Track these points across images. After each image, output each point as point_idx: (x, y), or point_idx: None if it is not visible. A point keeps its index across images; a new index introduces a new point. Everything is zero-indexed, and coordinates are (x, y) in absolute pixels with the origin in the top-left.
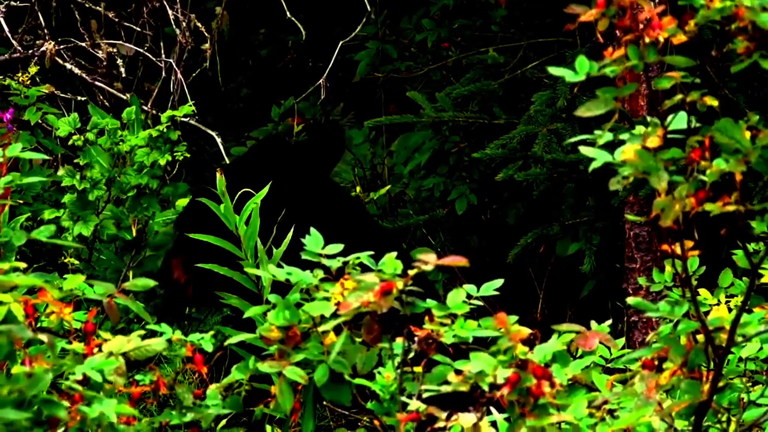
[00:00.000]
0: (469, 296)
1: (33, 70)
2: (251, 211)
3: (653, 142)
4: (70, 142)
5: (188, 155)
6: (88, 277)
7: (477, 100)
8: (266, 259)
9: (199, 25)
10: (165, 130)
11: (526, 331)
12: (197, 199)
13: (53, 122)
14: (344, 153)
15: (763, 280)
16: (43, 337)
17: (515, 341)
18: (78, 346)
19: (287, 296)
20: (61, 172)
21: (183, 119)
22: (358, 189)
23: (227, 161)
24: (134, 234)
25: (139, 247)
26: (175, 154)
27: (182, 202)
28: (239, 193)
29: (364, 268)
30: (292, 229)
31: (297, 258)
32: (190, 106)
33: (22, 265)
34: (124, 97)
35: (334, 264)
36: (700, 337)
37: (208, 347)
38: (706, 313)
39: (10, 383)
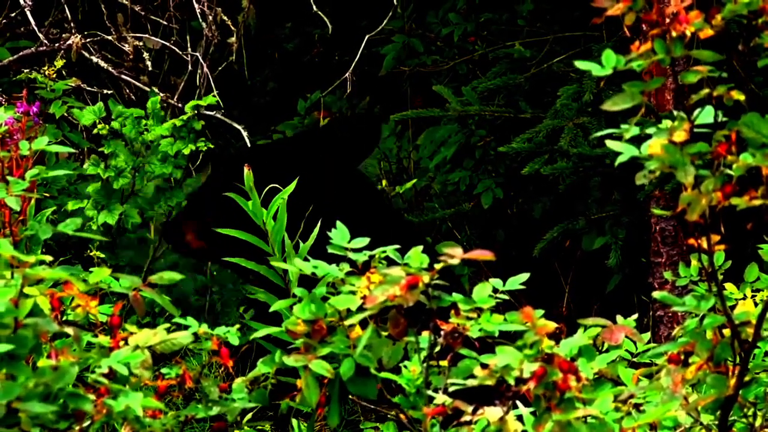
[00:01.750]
0: (495, 290)
1: (59, 63)
2: (278, 206)
3: (680, 136)
4: (95, 131)
5: (212, 146)
6: (113, 269)
7: (503, 94)
8: (293, 253)
9: (225, 18)
10: (188, 120)
11: (552, 325)
12: (225, 194)
13: (78, 116)
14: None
15: None
16: (69, 330)
17: (541, 335)
18: (104, 339)
19: (313, 290)
20: (86, 165)
21: (209, 112)
22: (384, 183)
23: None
24: (158, 225)
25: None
26: (198, 145)
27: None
28: (267, 188)
29: (390, 262)
30: (318, 224)
31: (325, 252)
32: (215, 96)
33: (48, 258)
34: (150, 91)
35: (360, 258)
36: (726, 332)
37: (234, 341)
38: (732, 308)
39: (36, 376)
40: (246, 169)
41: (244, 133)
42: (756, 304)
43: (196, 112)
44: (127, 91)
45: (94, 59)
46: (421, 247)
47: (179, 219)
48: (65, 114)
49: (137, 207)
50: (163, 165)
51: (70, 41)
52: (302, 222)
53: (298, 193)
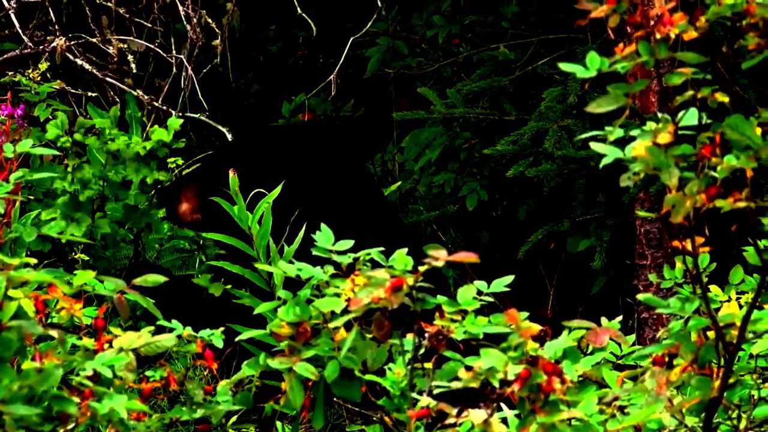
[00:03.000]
0: (479, 292)
1: (44, 66)
2: (263, 210)
3: (664, 138)
4: (59, 144)
5: (181, 162)
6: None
7: (488, 96)
8: (278, 257)
9: (209, 21)
10: (156, 145)
11: (536, 328)
12: (211, 198)
13: (49, 128)
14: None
15: None
16: (54, 332)
17: (526, 337)
18: (88, 341)
19: (298, 292)
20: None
21: (193, 115)
22: None
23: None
24: (132, 250)
25: (137, 254)
26: (160, 176)
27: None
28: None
29: (375, 264)
30: (304, 227)
31: (310, 255)
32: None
33: (33, 260)
34: (135, 93)
35: (345, 260)
36: (711, 334)
37: (219, 343)
38: (717, 310)
39: (21, 379)
40: (231, 174)
41: (229, 136)
42: (741, 307)
43: (160, 143)
44: (112, 93)
45: (79, 62)
46: (405, 250)
47: (177, 186)
48: (49, 117)
49: (108, 221)
50: (128, 192)
51: (54, 44)
52: (301, 221)
53: (292, 188)
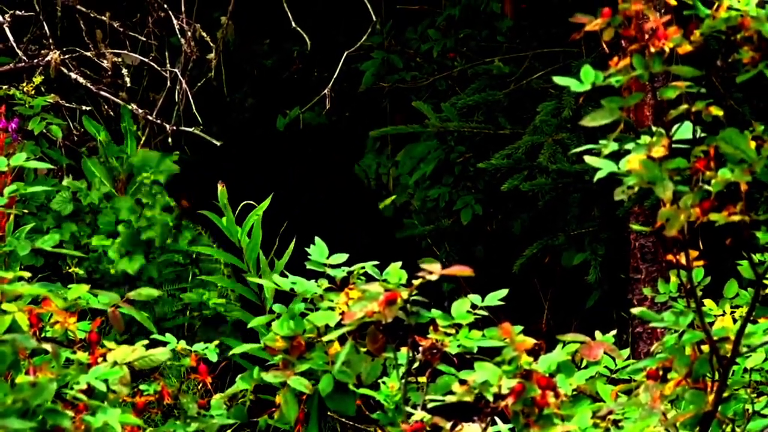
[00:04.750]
0: (473, 306)
1: (38, 79)
2: (253, 223)
3: (658, 151)
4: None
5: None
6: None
7: (482, 110)
8: (269, 270)
9: (204, 34)
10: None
11: (530, 342)
12: (199, 211)
13: (56, 132)
14: None
15: None
16: (48, 346)
17: (520, 351)
18: (82, 355)
19: (291, 306)
20: (65, 182)
21: (187, 129)
22: None
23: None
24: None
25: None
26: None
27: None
28: (241, 205)
29: (369, 278)
30: (293, 240)
31: (302, 267)
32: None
33: (27, 274)
34: (130, 107)
35: (339, 273)
36: (705, 348)
37: (213, 357)
38: (711, 324)
39: (15, 393)
40: (220, 186)
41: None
42: (735, 321)
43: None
44: (106, 107)
45: (73, 75)
46: (399, 263)
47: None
48: (43, 130)
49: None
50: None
51: (48, 57)
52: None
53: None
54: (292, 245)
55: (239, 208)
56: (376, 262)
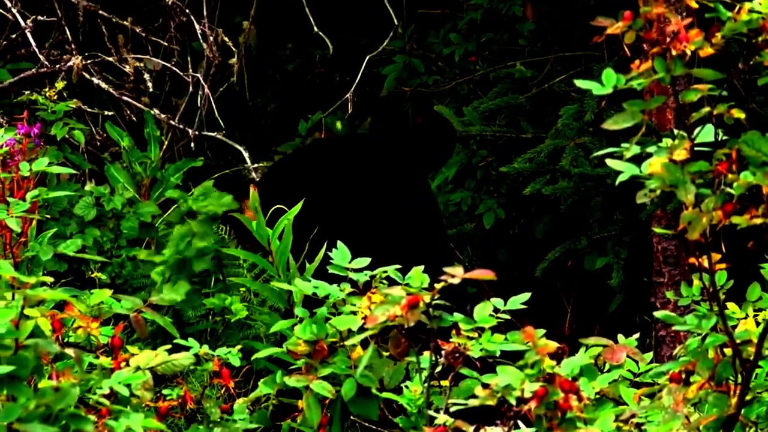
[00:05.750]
0: (496, 310)
1: (60, 85)
2: (284, 227)
3: (680, 155)
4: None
5: None
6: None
7: (504, 114)
8: (298, 275)
9: (226, 39)
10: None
11: (553, 345)
12: (230, 214)
13: (79, 137)
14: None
15: None
16: (70, 351)
17: (542, 355)
18: (105, 360)
19: (315, 310)
20: (88, 187)
21: (210, 134)
22: None
23: (254, 177)
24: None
25: None
26: None
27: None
28: (272, 208)
29: (392, 282)
30: (325, 245)
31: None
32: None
33: (50, 279)
34: (152, 112)
35: (362, 278)
36: (728, 351)
37: (235, 361)
38: (734, 327)
39: (38, 398)
40: (252, 190)
41: (245, 154)
42: (758, 324)
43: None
44: (128, 112)
45: (95, 81)
46: (422, 267)
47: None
48: (66, 135)
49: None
50: None
51: (70, 63)
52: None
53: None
54: (322, 251)
55: (269, 213)
56: (399, 266)
